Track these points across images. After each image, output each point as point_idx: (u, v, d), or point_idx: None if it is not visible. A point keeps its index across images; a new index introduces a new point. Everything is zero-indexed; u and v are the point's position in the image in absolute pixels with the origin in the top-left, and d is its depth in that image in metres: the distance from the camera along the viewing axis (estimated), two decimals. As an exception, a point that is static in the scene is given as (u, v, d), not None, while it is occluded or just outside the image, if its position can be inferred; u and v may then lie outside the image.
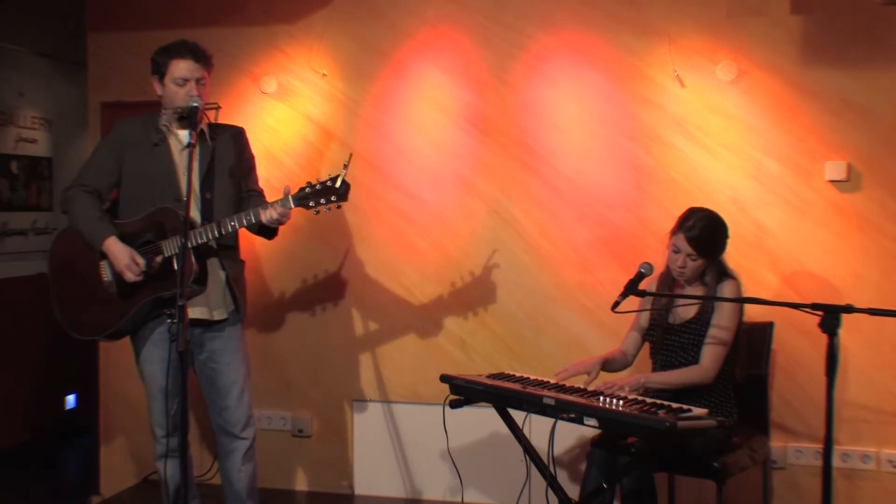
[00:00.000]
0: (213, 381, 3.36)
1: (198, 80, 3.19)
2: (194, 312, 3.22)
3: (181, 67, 3.17)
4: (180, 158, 3.24)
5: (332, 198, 3.01)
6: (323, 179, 3.03)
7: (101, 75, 4.50)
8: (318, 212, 3.05)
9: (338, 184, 3.00)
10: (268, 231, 3.26)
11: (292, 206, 3.04)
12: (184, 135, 3.22)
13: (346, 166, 3.01)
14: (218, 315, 3.29)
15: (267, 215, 3.08)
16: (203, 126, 3.29)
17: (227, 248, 3.30)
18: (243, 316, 3.39)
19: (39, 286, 5.25)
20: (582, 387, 3.08)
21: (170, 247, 3.14)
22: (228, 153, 3.33)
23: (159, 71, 3.21)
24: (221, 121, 3.69)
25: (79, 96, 4.99)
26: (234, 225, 3.11)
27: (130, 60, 4.41)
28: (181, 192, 3.20)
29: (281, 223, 3.13)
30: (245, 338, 3.45)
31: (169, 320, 2.81)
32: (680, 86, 3.86)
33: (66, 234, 3.33)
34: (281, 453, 4.34)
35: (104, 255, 3.21)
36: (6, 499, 4.49)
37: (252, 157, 3.45)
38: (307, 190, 3.02)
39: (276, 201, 3.08)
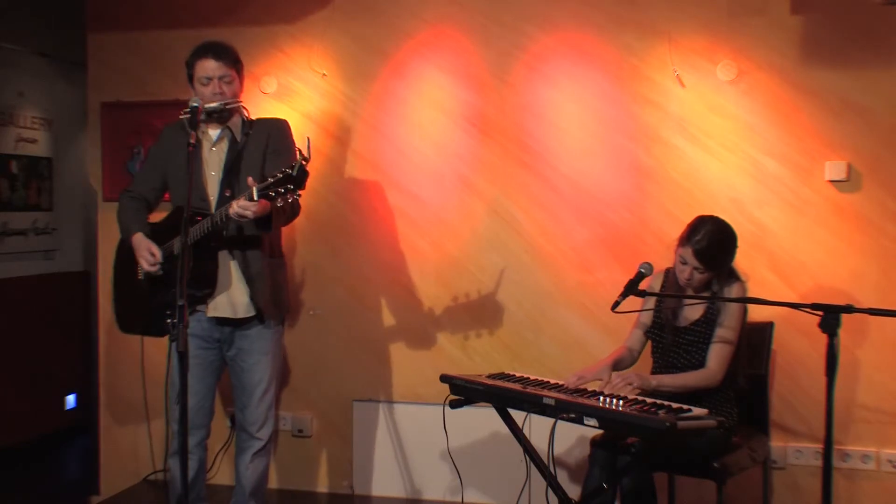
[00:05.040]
0: (239, 378, 3.39)
1: (221, 78, 3.22)
2: (218, 310, 3.27)
3: (204, 67, 3.22)
4: (209, 158, 3.29)
5: (290, 186, 2.86)
6: (284, 168, 2.89)
7: (101, 75, 4.50)
8: (280, 203, 2.91)
9: (295, 171, 2.86)
10: (257, 224, 3.16)
11: (256, 198, 2.94)
12: (213, 134, 3.30)
13: (301, 153, 2.85)
14: (243, 313, 3.29)
15: (233, 209, 3.00)
16: (232, 124, 3.31)
17: (246, 245, 3.27)
18: (276, 315, 3.37)
19: (39, 286, 5.28)
20: (581, 387, 3.08)
21: (178, 245, 3.16)
22: (259, 149, 3.31)
23: (189, 74, 3.28)
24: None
25: (79, 96, 4.99)
26: (217, 221, 3.08)
27: (130, 60, 4.42)
28: (206, 192, 3.27)
29: (246, 217, 3.01)
30: (279, 339, 3.44)
31: (169, 320, 2.81)
32: (680, 86, 3.87)
33: (122, 238, 3.51)
34: (281, 453, 4.34)
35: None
36: (6, 499, 4.50)
37: (286, 147, 3.36)
38: (269, 181, 2.91)
39: (244, 195, 3.01)
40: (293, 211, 3.29)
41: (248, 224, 3.16)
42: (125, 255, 3.45)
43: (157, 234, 3.32)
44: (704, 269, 3.12)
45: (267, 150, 3.32)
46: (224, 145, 3.31)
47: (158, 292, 3.30)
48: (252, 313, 3.30)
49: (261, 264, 3.31)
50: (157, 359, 3.72)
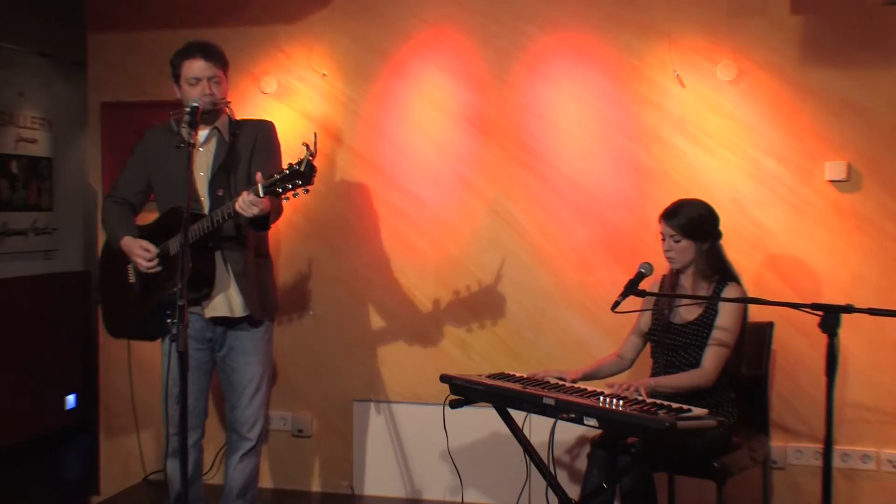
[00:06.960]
0: (229, 378, 3.39)
1: (210, 79, 3.19)
2: (217, 310, 3.27)
3: (193, 67, 3.19)
4: (198, 158, 3.26)
5: (298, 181, 2.86)
6: (291, 164, 2.89)
7: (101, 75, 4.50)
8: (286, 198, 2.92)
9: (303, 167, 2.85)
10: (255, 223, 3.16)
11: (262, 194, 2.93)
12: (201, 135, 3.26)
13: (308, 149, 2.84)
14: (240, 311, 3.29)
15: (239, 204, 2.99)
16: (219, 124, 3.29)
17: (231, 244, 3.26)
18: (264, 315, 3.36)
19: (39, 286, 5.28)
20: (581, 387, 3.08)
21: (175, 246, 3.16)
22: (246, 149, 3.31)
23: (175, 73, 3.25)
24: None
25: (79, 96, 4.99)
26: (218, 219, 3.07)
27: (130, 60, 4.42)
28: (197, 193, 3.25)
29: (253, 213, 2.99)
30: (269, 338, 3.43)
31: (169, 320, 2.80)
32: (680, 86, 3.87)
33: (108, 243, 3.47)
34: (281, 453, 4.34)
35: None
36: (6, 499, 4.50)
37: (273, 149, 3.37)
38: (276, 177, 2.90)
39: (248, 190, 2.99)
40: (279, 212, 3.27)
41: (244, 223, 3.15)
42: (112, 257, 3.41)
43: (148, 237, 3.29)
44: (679, 235, 3.19)
45: (254, 151, 3.31)
46: (212, 145, 3.28)
47: (150, 295, 3.28)
48: (245, 313, 3.30)
49: (247, 264, 3.30)
50: (156, 358, 3.71)
